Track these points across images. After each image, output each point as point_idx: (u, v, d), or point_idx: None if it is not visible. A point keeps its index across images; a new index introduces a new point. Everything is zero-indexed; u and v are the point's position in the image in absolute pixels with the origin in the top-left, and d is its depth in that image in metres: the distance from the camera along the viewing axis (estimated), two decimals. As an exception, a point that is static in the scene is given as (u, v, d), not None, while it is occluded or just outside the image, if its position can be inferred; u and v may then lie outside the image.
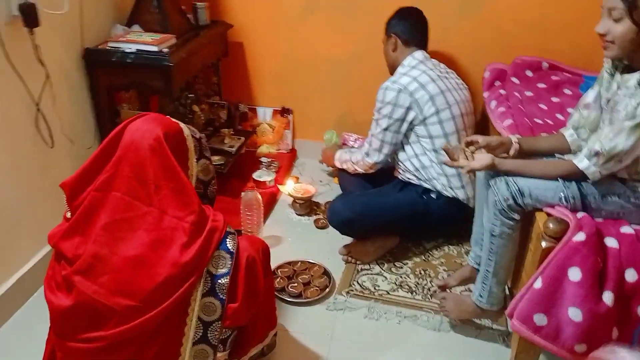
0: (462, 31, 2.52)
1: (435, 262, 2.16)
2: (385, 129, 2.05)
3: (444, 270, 2.11)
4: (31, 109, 1.77)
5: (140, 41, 2.06)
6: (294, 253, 2.19)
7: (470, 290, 1.79)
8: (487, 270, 1.62)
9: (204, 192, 1.44)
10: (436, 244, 2.27)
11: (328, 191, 2.66)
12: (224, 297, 1.29)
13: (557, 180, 1.44)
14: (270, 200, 2.54)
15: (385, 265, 2.14)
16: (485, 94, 2.38)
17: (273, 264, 2.08)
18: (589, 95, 1.53)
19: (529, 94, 2.27)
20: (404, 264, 2.15)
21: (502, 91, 2.30)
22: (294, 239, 2.31)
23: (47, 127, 1.81)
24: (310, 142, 2.94)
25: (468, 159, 1.60)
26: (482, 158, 1.53)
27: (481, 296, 1.66)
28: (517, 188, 1.45)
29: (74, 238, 1.27)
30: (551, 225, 1.33)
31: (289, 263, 2.10)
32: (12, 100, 1.69)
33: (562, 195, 1.41)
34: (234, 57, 2.80)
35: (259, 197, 2.18)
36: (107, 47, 2.07)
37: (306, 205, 2.47)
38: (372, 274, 2.09)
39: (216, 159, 2.46)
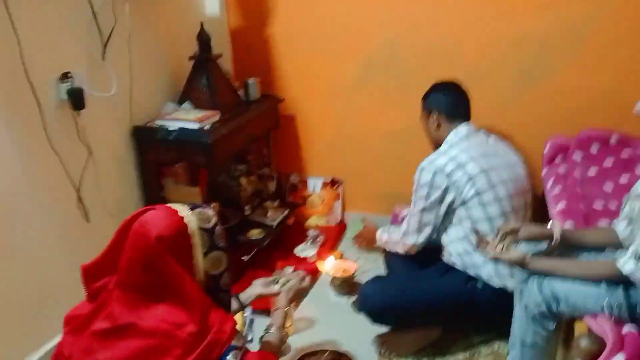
0: (520, 103, 2.37)
1: (483, 360, 1.92)
2: (423, 210, 1.92)
3: (491, 371, 1.87)
4: (71, 188, 1.87)
5: (183, 119, 2.14)
6: (326, 339, 2.06)
7: None
8: None
9: (215, 285, 1.34)
10: (485, 339, 2.02)
11: (374, 270, 2.51)
12: None
13: (600, 284, 1.22)
14: (310, 278, 2.44)
15: (425, 358, 1.94)
16: (544, 171, 2.17)
17: (300, 350, 1.98)
18: (642, 184, 1.32)
19: (592, 173, 2.04)
20: (445, 358, 1.93)
21: (560, 169, 2.09)
22: (327, 322, 2.18)
23: (81, 203, 1.89)
24: (361, 214, 2.85)
25: (503, 249, 1.43)
26: (514, 253, 1.35)
27: None
28: (551, 292, 1.25)
29: (73, 336, 1.25)
30: (583, 344, 1.12)
31: (315, 353, 1.96)
32: (53, 179, 1.80)
33: (605, 303, 1.19)
34: (285, 129, 2.84)
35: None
36: (154, 125, 2.17)
37: (345, 285, 2.35)
38: (408, 368, 1.90)
39: (256, 232, 2.44)
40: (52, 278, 1.82)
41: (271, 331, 1.52)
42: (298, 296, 1.72)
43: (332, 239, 2.74)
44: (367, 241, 2.39)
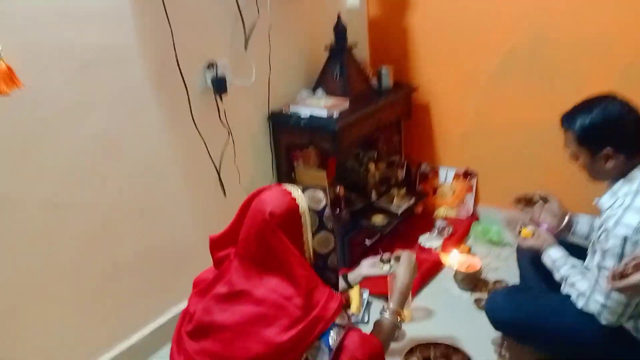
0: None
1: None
2: None
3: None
4: (212, 165, 2.08)
5: (314, 105, 2.24)
6: (441, 332, 2.01)
7: None
8: None
9: (323, 264, 1.41)
10: None
11: (503, 269, 2.38)
12: None
13: None
14: (433, 269, 2.41)
15: (546, 371, 1.80)
16: None
17: (413, 339, 1.97)
18: None
19: None
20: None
21: None
22: (446, 316, 2.13)
23: (219, 179, 2.09)
24: (495, 209, 2.70)
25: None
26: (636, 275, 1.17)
27: None
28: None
29: (198, 297, 1.42)
30: None
31: (431, 344, 1.92)
32: (196, 156, 2.03)
33: None
34: (418, 117, 2.80)
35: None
36: (288, 111, 2.30)
37: (469, 281, 2.26)
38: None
39: (379, 218, 2.46)
40: (190, 244, 2.06)
41: (385, 315, 1.54)
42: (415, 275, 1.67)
43: (460, 231, 2.65)
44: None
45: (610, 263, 1.43)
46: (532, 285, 1.88)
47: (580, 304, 1.57)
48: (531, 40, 2.37)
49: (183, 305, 1.49)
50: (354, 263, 2.42)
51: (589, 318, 1.54)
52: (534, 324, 1.68)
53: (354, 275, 1.75)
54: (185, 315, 1.44)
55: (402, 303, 1.58)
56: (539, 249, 1.75)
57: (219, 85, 2.01)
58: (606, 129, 1.52)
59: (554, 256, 1.70)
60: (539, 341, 1.76)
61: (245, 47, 2.11)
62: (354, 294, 2.15)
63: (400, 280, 1.63)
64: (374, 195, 2.59)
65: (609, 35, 2.19)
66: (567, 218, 1.82)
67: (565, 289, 1.64)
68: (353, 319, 2.04)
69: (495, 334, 1.90)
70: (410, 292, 2.11)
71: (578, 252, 1.73)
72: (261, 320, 1.29)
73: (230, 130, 2.10)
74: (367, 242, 2.47)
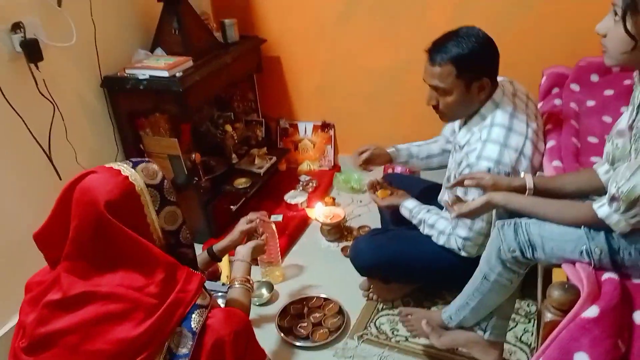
0: (516, 30, 2.17)
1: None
2: None
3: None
4: (36, 146, 1.80)
5: (153, 67, 2.03)
6: (314, 285, 2.03)
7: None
8: (467, 302, 1.40)
9: (175, 241, 1.29)
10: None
11: (366, 214, 2.45)
12: None
13: (581, 229, 1.12)
14: (301, 224, 2.41)
15: (411, 303, 1.90)
16: (539, 105, 2.02)
17: (289, 297, 1.97)
18: (623, 119, 1.18)
19: (590, 103, 1.89)
20: (434, 304, 1.89)
21: (556, 101, 1.93)
22: (317, 269, 2.15)
23: (50, 161, 1.83)
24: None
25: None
26: (474, 202, 1.26)
27: (451, 318, 1.48)
28: (527, 239, 1.16)
29: (30, 305, 1.21)
30: (556, 294, 1.03)
31: (303, 299, 1.94)
32: (16, 137, 1.73)
33: (584, 248, 1.10)
34: (271, 72, 2.70)
35: (273, 227, 2.01)
36: (124, 74, 2.06)
37: (335, 231, 2.29)
38: (393, 315, 1.86)
39: (242, 181, 2.37)
40: (26, 242, 1.76)
41: (235, 286, 1.48)
42: (259, 251, 1.68)
43: (324, 184, 2.67)
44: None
45: (473, 196, 1.51)
46: (392, 228, 1.96)
47: (441, 241, 1.66)
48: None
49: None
50: (221, 231, 2.32)
51: (447, 250, 1.66)
52: (396, 262, 1.76)
53: (220, 244, 1.66)
54: (19, 328, 1.24)
55: (246, 270, 1.55)
56: (396, 204, 1.82)
57: (31, 50, 1.71)
58: (484, 56, 1.51)
59: (410, 206, 1.78)
60: (401, 277, 1.86)
61: (59, 3, 1.81)
62: (223, 263, 2.06)
63: (240, 252, 1.61)
64: (234, 158, 2.49)
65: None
66: (390, 150, 1.90)
67: (425, 231, 1.72)
68: (225, 289, 1.97)
69: (362, 279, 1.96)
70: (279, 253, 2.10)
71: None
72: (111, 318, 1.14)
73: (55, 103, 1.82)
74: (233, 207, 2.38)
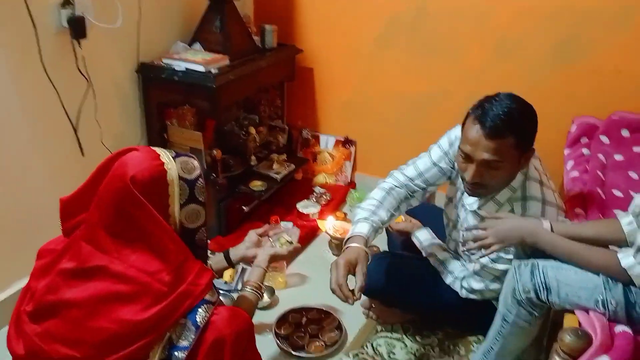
0: (552, 80, 2.19)
1: (471, 338, 1.85)
2: None
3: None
4: (66, 119, 1.83)
5: (190, 60, 2.06)
6: (315, 297, 2.02)
7: None
8: (491, 347, 1.38)
9: (190, 240, 1.28)
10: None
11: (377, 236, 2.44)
12: None
13: (599, 277, 1.11)
14: (310, 235, 2.41)
15: (411, 330, 1.88)
16: (566, 152, 2.02)
17: (289, 305, 1.96)
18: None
19: (618, 157, 1.88)
20: (433, 334, 1.87)
21: (584, 150, 1.93)
22: (320, 281, 2.13)
23: (75, 136, 1.85)
24: (371, 177, 2.76)
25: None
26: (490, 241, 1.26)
27: None
28: (542, 280, 1.15)
29: (41, 271, 1.22)
30: (568, 338, 1.02)
31: (303, 309, 1.93)
32: (48, 108, 1.76)
33: (601, 298, 1.09)
34: (302, 82, 2.73)
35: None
36: (161, 64, 2.10)
37: (343, 246, 2.28)
38: (391, 338, 1.85)
39: (258, 184, 2.38)
40: (41, 208, 1.80)
41: (247, 289, 1.48)
42: (279, 259, 1.67)
43: (337, 198, 2.67)
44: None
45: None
46: (400, 253, 1.95)
47: (448, 280, 1.67)
48: (413, 8, 2.37)
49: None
50: (230, 230, 2.33)
51: (442, 288, 1.67)
52: (400, 290, 1.74)
53: (238, 251, 1.65)
54: (27, 292, 1.25)
55: (261, 277, 1.55)
56: (409, 231, 1.84)
57: (77, 27, 1.75)
58: (535, 125, 1.38)
59: (422, 238, 1.79)
60: (404, 305, 1.84)
61: (111, -14, 1.85)
62: None
63: (259, 257, 1.60)
64: (253, 160, 2.50)
65: (487, 3, 2.23)
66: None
67: (434, 264, 1.73)
68: (226, 287, 1.97)
69: (364, 297, 1.95)
70: (285, 261, 2.10)
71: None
72: (118, 298, 1.14)
73: (90, 81, 1.86)
74: (245, 208, 2.38)
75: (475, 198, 1.49)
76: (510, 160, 1.34)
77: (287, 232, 1.76)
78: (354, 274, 1.42)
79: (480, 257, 1.41)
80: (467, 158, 1.36)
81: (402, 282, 1.74)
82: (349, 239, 1.52)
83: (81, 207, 1.26)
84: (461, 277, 1.64)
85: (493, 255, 1.46)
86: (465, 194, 1.50)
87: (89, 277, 1.16)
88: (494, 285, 1.53)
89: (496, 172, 1.35)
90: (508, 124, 1.30)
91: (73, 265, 1.17)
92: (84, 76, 1.82)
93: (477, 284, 1.59)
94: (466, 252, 1.59)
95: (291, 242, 1.71)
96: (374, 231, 1.55)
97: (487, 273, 1.55)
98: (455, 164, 1.52)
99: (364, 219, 1.56)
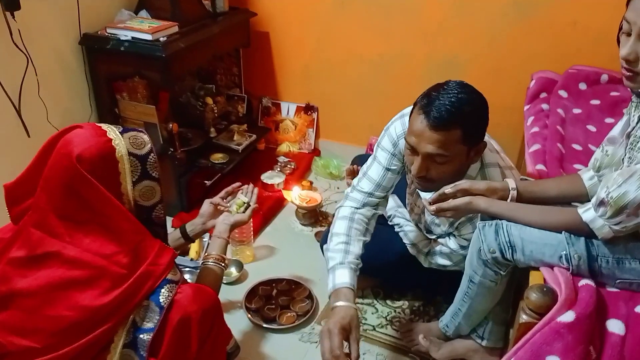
0: (510, 35, 2.16)
1: (440, 298, 1.86)
2: None
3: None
4: (6, 98, 1.71)
5: (136, 28, 1.94)
6: (284, 268, 2.00)
7: None
8: (459, 309, 1.40)
9: (147, 218, 1.22)
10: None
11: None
12: (144, 354, 1.12)
13: (561, 234, 1.12)
14: (276, 206, 2.37)
15: (382, 294, 1.90)
16: (526, 107, 2.02)
17: (258, 278, 1.93)
18: (617, 127, 1.18)
19: (577, 111, 1.90)
20: (403, 297, 1.88)
21: (544, 106, 1.94)
22: (289, 251, 2.12)
23: (18, 115, 1.74)
24: (335, 143, 2.73)
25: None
26: (456, 200, 1.23)
27: (447, 327, 1.50)
28: (507, 240, 1.15)
29: None
30: (533, 296, 1.03)
31: (273, 281, 1.91)
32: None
33: (564, 253, 1.10)
34: (258, 48, 2.63)
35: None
36: (105, 34, 1.97)
37: (310, 215, 2.26)
38: (361, 304, 1.85)
39: (219, 156, 2.31)
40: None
41: (209, 262, 1.44)
42: (240, 225, 1.61)
43: (302, 167, 2.63)
44: None
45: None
46: None
47: (420, 260, 1.69)
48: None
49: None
50: (193, 206, 2.26)
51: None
52: (367, 256, 1.71)
53: (194, 226, 1.59)
54: None
55: (222, 248, 1.50)
56: None
57: (9, -2, 1.61)
58: (486, 116, 1.28)
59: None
60: (372, 271, 1.83)
61: (42, -50, 1.71)
62: None
63: (218, 227, 1.55)
64: (212, 132, 2.42)
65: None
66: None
67: (396, 229, 1.74)
68: (193, 264, 1.92)
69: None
70: (252, 232, 2.06)
71: None
72: (75, 284, 1.09)
73: (29, 56, 1.73)
74: (207, 182, 2.32)
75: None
76: (457, 154, 1.25)
77: (243, 193, 1.66)
78: (347, 340, 1.25)
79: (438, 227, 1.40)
80: (413, 150, 1.27)
81: (367, 248, 1.73)
82: (333, 292, 1.33)
83: (28, 191, 1.19)
84: (425, 251, 1.65)
85: (463, 242, 1.50)
86: None
87: (42, 264, 1.10)
88: (457, 259, 1.57)
89: (442, 166, 1.26)
90: (454, 115, 1.20)
91: (23, 254, 1.11)
92: (21, 51, 1.69)
93: (442, 261, 1.62)
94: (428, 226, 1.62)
95: (248, 204, 1.62)
96: (354, 274, 1.37)
97: (455, 256, 1.57)
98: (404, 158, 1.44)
99: (340, 264, 1.37)
